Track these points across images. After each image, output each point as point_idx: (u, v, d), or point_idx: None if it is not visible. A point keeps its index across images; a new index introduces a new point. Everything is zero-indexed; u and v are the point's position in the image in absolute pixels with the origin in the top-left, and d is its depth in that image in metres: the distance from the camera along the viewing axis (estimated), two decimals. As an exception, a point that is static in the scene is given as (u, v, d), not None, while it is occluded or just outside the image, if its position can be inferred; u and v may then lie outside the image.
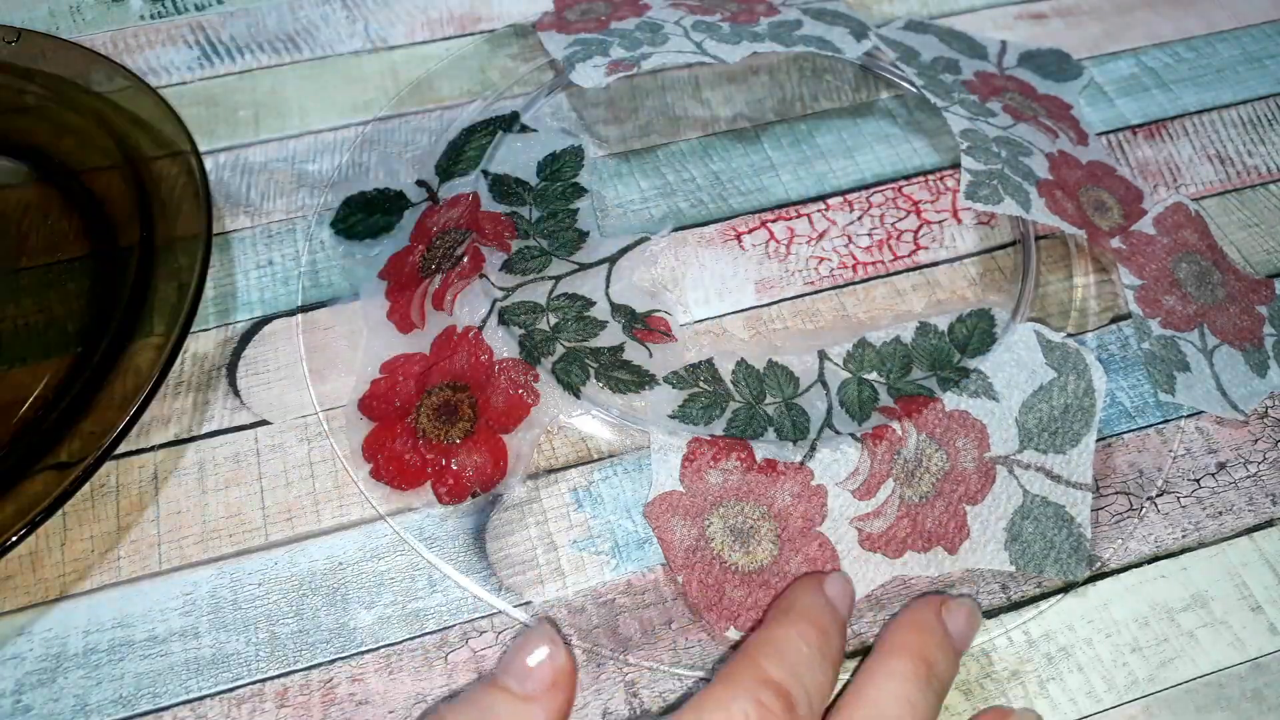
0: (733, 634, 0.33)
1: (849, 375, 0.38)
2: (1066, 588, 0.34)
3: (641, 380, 0.38)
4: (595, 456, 0.36)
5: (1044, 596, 0.34)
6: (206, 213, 0.38)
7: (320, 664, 0.32)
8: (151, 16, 0.48)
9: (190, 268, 0.37)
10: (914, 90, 0.46)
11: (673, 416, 0.37)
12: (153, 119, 0.41)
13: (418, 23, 0.49)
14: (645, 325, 0.39)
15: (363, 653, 0.32)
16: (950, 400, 0.36)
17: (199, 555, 0.34)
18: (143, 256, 0.38)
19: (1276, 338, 0.40)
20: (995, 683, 0.33)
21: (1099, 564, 0.35)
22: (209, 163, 0.43)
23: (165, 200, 0.39)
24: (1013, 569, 0.34)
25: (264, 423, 0.37)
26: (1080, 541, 0.34)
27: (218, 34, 0.48)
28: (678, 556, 0.34)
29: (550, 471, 0.36)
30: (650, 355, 0.38)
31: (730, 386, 0.38)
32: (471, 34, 0.48)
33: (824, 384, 0.38)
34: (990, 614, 0.34)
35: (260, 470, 0.36)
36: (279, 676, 0.32)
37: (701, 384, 0.38)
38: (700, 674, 0.32)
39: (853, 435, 0.36)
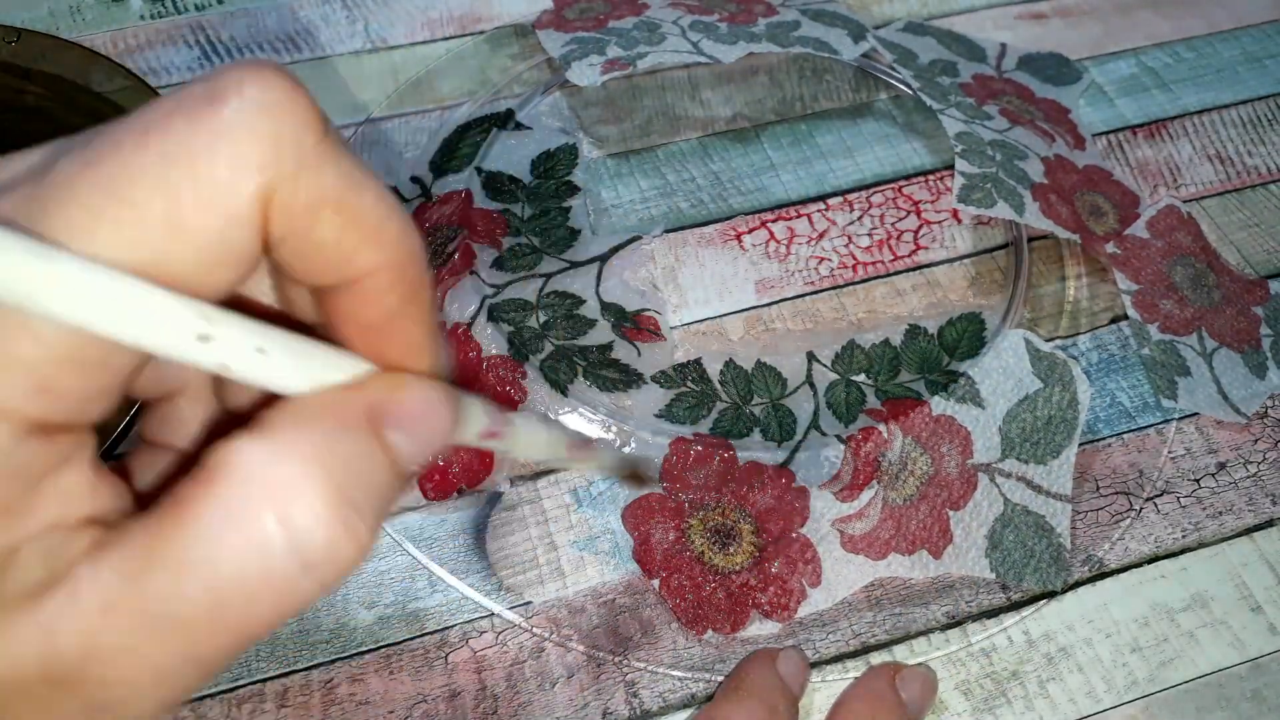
0: (711, 636, 0.33)
1: (837, 377, 0.38)
2: (1063, 589, 0.34)
3: (629, 379, 0.38)
4: (595, 456, 0.36)
5: (1044, 596, 0.34)
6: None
7: (320, 664, 0.32)
8: (151, 16, 0.48)
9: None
10: (911, 92, 0.46)
11: (659, 416, 0.37)
12: (153, 119, 0.41)
13: (418, 23, 0.49)
14: (634, 324, 0.39)
15: (363, 653, 0.32)
16: (937, 405, 0.36)
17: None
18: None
19: (1274, 338, 0.40)
20: (995, 682, 0.33)
21: (1098, 564, 0.35)
22: (209, 163, 0.43)
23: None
24: (993, 576, 0.34)
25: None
26: (1060, 552, 0.34)
27: (218, 34, 0.48)
28: (656, 558, 0.34)
29: (550, 471, 0.36)
30: (639, 354, 0.38)
31: (718, 386, 0.38)
32: (471, 34, 0.48)
33: (811, 385, 0.38)
34: (990, 614, 0.34)
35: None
36: (279, 676, 0.32)
37: (689, 384, 0.38)
38: (700, 675, 0.32)
39: (838, 437, 0.36)
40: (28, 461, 0.14)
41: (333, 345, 0.16)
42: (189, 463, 0.18)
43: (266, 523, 0.14)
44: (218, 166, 0.14)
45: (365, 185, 0.15)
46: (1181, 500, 0.36)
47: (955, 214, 0.43)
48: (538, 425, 0.21)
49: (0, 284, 0.12)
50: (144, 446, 0.19)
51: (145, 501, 0.16)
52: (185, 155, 0.13)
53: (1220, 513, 0.36)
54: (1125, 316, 0.40)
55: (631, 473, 0.27)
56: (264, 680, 0.32)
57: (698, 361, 0.38)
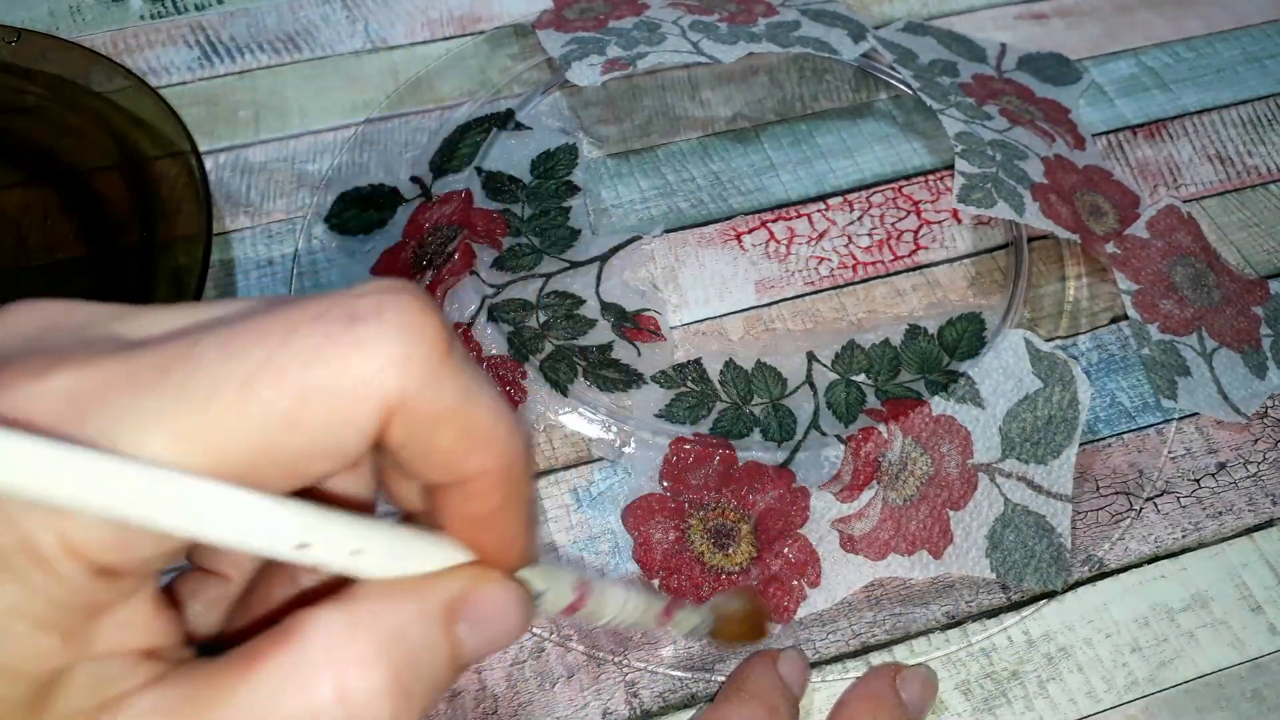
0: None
1: (837, 377, 0.38)
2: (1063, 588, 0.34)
3: (629, 379, 0.38)
4: (595, 456, 0.36)
5: (1044, 596, 0.34)
6: (206, 213, 0.38)
7: (320, 664, 0.32)
8: (151, 16, 0.48)
9: (190, 268, 0.37)
10: (911, 92, 0.46)
11: (659, 415, 0.37)
12: (153, 119, 0.41)
13: (418, 23, 0.49)
14: (634, 324, 0.39)
15: (362, 653, 0.32)
16: (937, 405, 0.36)
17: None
18: (143, 256, 0.38)
19: (1274, 338, 0.40)
20: (995, 682, 0.33)
21: (1098, 564, 0.35)
22: (209, 163, 0.43)
23: (165, 200, 0.39)
24: (993, 576, 0.34)
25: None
26: (1060, 552, 0.34)
27: (218, 34, 0.48)
28: (656, 559, 0.34)
29: (551, 471, 0.36)
30: (639, 354, 0.38)
31: (718, 386, 0.38)
32: (471, 34, 0.48)
33: (811, 385, 0.38)
34: (990, 614, 0.34)
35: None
36: (279, 676, 0.32)
37: (689, 384, 0.38)
38: (700, 675, 0.32)
39: (838, 437, 0.36)
40: (94, 596, 0.14)
41: (427, 532, 0.17)
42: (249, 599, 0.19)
43: (326, 693, 0.15)
44: (347, 378, 0.15)
45: (480, 397, 0.16)
46: (1181, 500, 0.36)
47: (955, 214, 0.43)
48: (626, 593, 0.21)
49: (119, 508, 0.14)
50: (193, 572, 0.19)
51: (192, 640, 0.18)
52: (319, 363, 0.15)
53: (1220, 513, 0.36)
54: (1125, 316, 0.40)
55: (733, 623, 0.26)
56: (264, 680, 0.32)
57: (698, 361, 0.38)
